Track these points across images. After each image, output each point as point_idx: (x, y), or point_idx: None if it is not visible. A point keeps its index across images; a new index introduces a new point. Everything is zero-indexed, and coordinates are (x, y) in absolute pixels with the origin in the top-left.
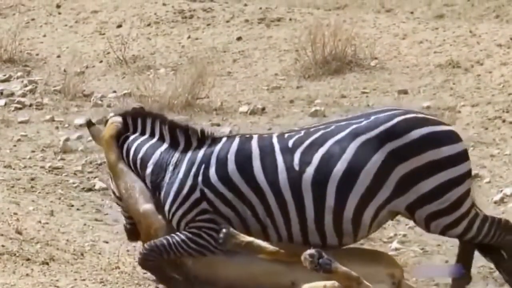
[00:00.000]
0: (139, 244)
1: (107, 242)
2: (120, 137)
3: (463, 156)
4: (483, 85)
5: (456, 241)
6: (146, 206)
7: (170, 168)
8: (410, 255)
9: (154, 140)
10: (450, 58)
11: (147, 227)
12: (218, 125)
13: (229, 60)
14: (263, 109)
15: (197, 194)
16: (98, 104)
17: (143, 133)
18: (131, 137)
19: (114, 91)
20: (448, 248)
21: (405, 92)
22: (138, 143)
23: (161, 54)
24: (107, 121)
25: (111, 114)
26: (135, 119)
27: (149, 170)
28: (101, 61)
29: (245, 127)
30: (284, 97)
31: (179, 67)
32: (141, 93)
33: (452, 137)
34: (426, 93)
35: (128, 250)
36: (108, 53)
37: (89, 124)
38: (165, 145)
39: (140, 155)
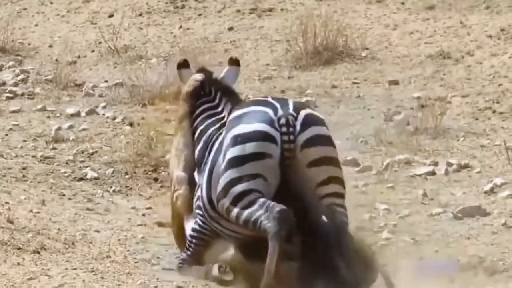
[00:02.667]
0: (130, 234)
1: (98, 232)
2: (199, 98)
3: (243, 159)
4: (474, 75)
5: (446, 230)
6: (180, 173)
7: (207, 153)
8: (400, 245)
9: (219, 116)
10: (440, 49)
11: (174, 191)
12: None
13: (220, 50)
14: None
15: (199, 180)
16: (89, 94)
17: (217, 105)
18: (207, 105)
19: (106, 81)
20: (438, 238)
21: (396, 82)
22: (208, 113)
23: (153, 44)
24: (200, 69)
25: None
26: (218, 89)
27: (199, 146)
28: (92, 51)
29: None
30: (276, 87)
31: (171, 57)
32: (132, 82)
33: (242, 140)
34: (417, 84)
35: (119, 240)
36: (100, 42)
37: (180, 64)
38: (218, 125)
39: (201, 127)
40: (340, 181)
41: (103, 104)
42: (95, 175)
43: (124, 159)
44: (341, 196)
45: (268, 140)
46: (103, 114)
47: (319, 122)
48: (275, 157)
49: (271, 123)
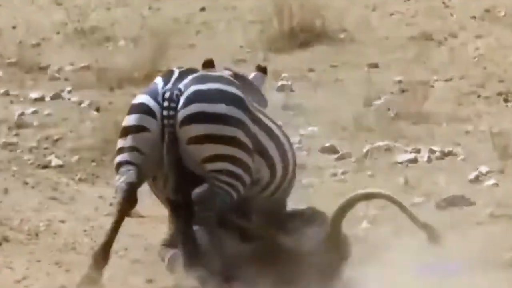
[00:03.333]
0: (97, 224)
1: (63, 222)
2: None
3: (126, 130)
4: (457, 58)
5: (429, 221)
6: None
7: None
8: (380, 236)
9: None
10: (422, 30)
11: None
12: None
13: (192, 32)
14: None
15: None
16: (54, 77)
17: None
18: None
19: (72, 64)
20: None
21: (375, 65)
22: None
23: (121, 25)
24: (225, 68)
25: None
26: (245, 87)
27: None
28: (58, 33)
29: None
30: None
31: (140, 39)
32: (100, 65)
33: (129, 111)
34: (398, 67)
35: (85, 230)
36: (66, 24)
37: (205, 64)
38: None
39: None
40: (231, 159)
41: (68, 88)
42: (60, 162)
43: (90, 146)
44: (230, 174)
45: (147, 114)
46: (69, 99)
47: (211, 99)
48: (154, 131)
49: (155, 96)
